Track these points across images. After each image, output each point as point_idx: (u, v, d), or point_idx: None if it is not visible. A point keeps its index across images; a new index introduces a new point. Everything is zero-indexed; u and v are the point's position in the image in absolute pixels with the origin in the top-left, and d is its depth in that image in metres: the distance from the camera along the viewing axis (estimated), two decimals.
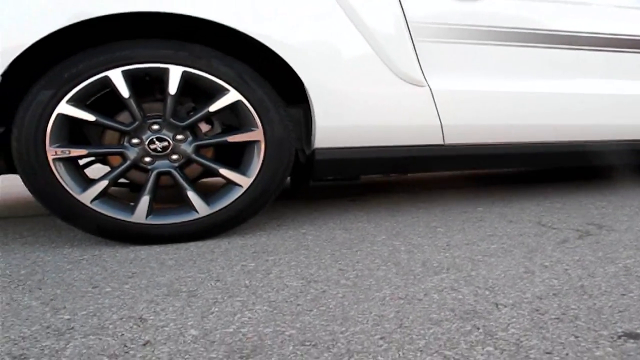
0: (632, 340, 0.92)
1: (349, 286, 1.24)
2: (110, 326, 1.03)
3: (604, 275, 1.27)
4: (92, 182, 1.63)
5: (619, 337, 0.93)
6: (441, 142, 1.90)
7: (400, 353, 0.88)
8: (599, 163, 2.26)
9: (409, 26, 1.77)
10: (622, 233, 1.67)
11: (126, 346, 0.93)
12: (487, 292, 1.16)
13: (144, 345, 0.94)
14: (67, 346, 0.94)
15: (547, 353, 0.88)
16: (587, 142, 2.08)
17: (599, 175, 2.79)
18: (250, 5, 1.62)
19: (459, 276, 1.28)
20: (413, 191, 2.60)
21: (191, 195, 1.66)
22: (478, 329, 0.97)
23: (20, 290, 1.28)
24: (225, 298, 1.18)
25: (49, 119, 1.54)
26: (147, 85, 1.69)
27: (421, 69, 1.79)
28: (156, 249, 1.62)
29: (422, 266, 1.37)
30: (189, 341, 0.95)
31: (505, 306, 1.08)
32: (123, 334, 0.99)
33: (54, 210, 1.60)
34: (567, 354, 0.86)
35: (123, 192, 2.12)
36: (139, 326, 1.03)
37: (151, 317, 1.08)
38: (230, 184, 1.70)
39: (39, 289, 1.29)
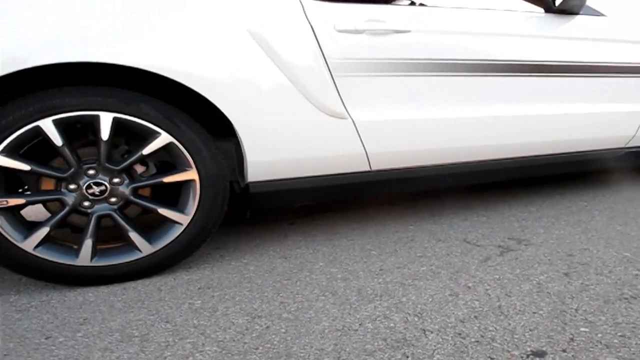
0: (538, 359, 1.12)
1: (290, 320, 1.40)
2: None
3: (519, 294, 1.48)
4: (33, 228, 1.71)
5: (528, 356, 1.14)
6: (368, 169, 2.09)
7: None
8: (510, 177, 2.52)
9: (328, 63, 1.95)
10: (538, 247, 1.91)
11: None
12: (415, 319, 1.35)
13: None
14: None
15: None
16: (498, 160, 2.33)
17: (520, 184, 3.07)
18: (172, 49, 1.74)
19: (391, 303, 1.47)
20: (348, 209, 2.78)
21: (133, 235, 1.78)
22: (407, 357, 1.16)
23: None
24: (177, 340, 1.32)
25: None
26: (80, 130, 1.78)
27: (342, 103, 1.98)
28: (104, 289, 1.73)
29: (357, 294, 1.55)
30: None
31: (432, 332, 1.27)
32: None
33: None
34: None
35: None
36: None
37: None
38: (170, 222, 1.82)
39: None
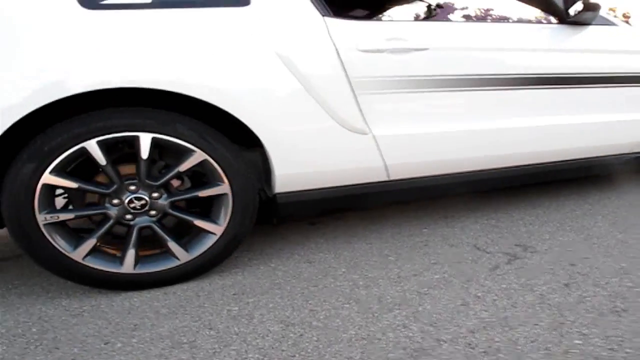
0: None
1: (320, 328, 1.61)
2: None
3: (523, 305, 1.68)
4: (82, 240, 1.92)
5: None
6: (387, 179, 2.29)
7: None
8: (520, 183, 2.72)
9: (350, 81, 2.14)
10: (542, 255, 2.11)
11: None
12: (431, 329, 1.56)
13: None
14: None
15: None
16: (510, 167, 2.53)
17: (530, 185, 3.26)
18: (207, 74, 1.93)
19: (409, 312, 1.67)
20: (367, 211, 2.99)
21: (172, 245, 1.99)
22: None
23: (40, 352, 1.58)
24: (222, 347, 1.53)
25: (35, 190, 1.82)
26: (121, 147, 1.99)
27: (364, 119, 2.17)
28: (146, 294, 1.94)
29: (378, 302, 1.76)
30: None
31: (446, 342, 1.48)
32: None
33: (50, 269, 1.90)
34: None
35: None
36: None
37: None
38: (205, 232, 2.04)
39: (56, 348, 1.60)
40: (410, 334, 1.53)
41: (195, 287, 1.98)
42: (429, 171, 2.39)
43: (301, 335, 1.57)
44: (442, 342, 1.47)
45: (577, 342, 1.44)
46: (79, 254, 1.90)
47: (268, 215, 2.31)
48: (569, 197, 2.99)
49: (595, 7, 2.54)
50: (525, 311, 1.63)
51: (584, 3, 2.54)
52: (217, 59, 1.97)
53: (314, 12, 2.16)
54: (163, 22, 1.95)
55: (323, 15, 2.17)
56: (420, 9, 3.39)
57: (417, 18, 3.36)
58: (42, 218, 1.84)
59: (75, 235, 1.98)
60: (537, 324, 1.55)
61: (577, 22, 2.65)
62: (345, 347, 1.48)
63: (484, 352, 1.41)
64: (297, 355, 1.45)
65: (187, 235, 2.06)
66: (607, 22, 2.79)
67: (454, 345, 1.45)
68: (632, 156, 2.92)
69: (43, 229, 1.84)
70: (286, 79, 2.06)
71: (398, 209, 2.95)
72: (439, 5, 3.47)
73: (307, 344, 1.51)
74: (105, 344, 1.60)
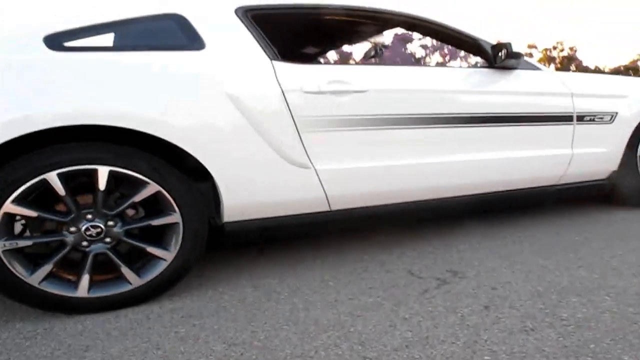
0: None
1: (260, 347, 1.75)
2: None
3: (444, 326, 1.86)
4: (38, 265, 2.03)
5: None
6: (328, 209, 2.47)
7: None
8: (455, 213, 2.94)
9: (295, 120, 2.31)
10: (469, 280, 2.30)
11: None
12: (359, 347, 1.72)
13: None
14: None
15: None
16: (443, 198, 2.74)
17: (470, 215, 3.48)
18: (160, 113, 2.09)
19: (341, 333, 1.83)
20: (312, 236, 3.16)
21: (125, 270, 2.11)
22: None
23: None
24: None
25: None
26: (79, 178, 2.11)
27: (307, 155, 2.35)
28: (98, 317, 2.05)
29: (315, 324, 1.91)
30: None
31: (370, 359, 1.64)
32: None
33: (6, 293, 2.00)
34: None
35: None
36: None
37: None
38: (156, 258, 2.17)
39: None
40: (340, 352, 1.68)
41: (146, 310, 2.10)
42: (367, 202, 2.58)
43: (242, 354, 1.71)
44: None
45: (486, 357, 1.61)
46: (35, 279, 2.00)
47: (218, 242, 2.45)
48: (501, 226, 3.21)
49: (517, 55, 2.80)
50: (446, 331, 1.80)
51: (507, 51, 2.78)
52: (172, 98, 2.14)
53: (262, 56, 2.35)
54: (123, 64, 2.11)
55: (271, 59, 2.35)
56: (363, 50, 3.60)
57: (359, 60, 3.58)
58: (1, 245, 1.93)
59: (32, 260, 2.08)
60: (454, 343, 1.72)
61: (504, 67, 2.89)
62: None
63: None
64: None
65: (139, 261, 2.18)
66: (532, 67, 3.05)
67: None
68: (559, 187, 3.15)
69: (1, 255, 1.94)
70: (235, 117, 2.23)
71: (342, 237, 3.12)
72: (383, 46, 3.69)
73: None
74: None
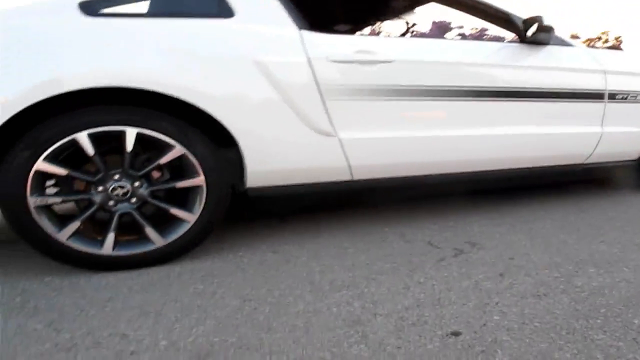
0: (453, 337, 1.52)
1: (273, 303, 1.79)
2: (103, 341, 1.55)
3: (457, 289, 1.87)
4: (66, 222, 2.11)
5: (447, 335, 1.53)
6: (350, 178, 2.49)
7: (304, 351, 1.45)
8: (480, 188, 2.92)
9: (320, 88, 2.34)
10: (488, 250, 2.30)
11: (118, 356, 1.46)
12: (371, 305, 1.75)
13: (131, 354, 1.47)
14: (76, 358, 1.46)
15: (397, 347, 1.47)
16: (470, 172, 2.73)
17: (493, 192, 3.46)
18: (189, 77, 2.14)
19: (355, 292, 1.86)
20: (337, 210, 3.19)
21: (149, 230, 2.17)
22: (358, 333, 1.55)
23: (22, 317, 1.76)
24: (184, 316, 1.72)
25: (28, 175, 2.01)
26: (108, 140, 2.18)
27: (331, 123, 2.37)
28: (123, 274, 2.12)
29: (330, 284, 1.94)
30: (162, 349, 1.49)
31: (381, 315, 1.67)
32: (114, 347, 1.52)
33: (36, 248, 2.08)
34: (408, 347, 1.45)
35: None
36: (124, 340, 1.56)
37: (131, 333, 1.60)
38: (179, 220, 2.22)
39: (36, 314, 1.78)
40: (352, 309, 1.71)
41: (168, 270, 2.16)
42: (390, 173, 2.59)
43: (255, 308, 1.75)
44: (377, 316, 1.66)
45: (495, 317, 1.62)
46: (63, 235, 2.08)
47: (240, 210, 2.50)
48: (525, 204, 3.19)
49: (548, 29, 2.76)
50: (458, 294, 1.82)
51: (538, 25, 2.75)
52: (201, 64, 2.19)
53: (291, 25, 2.38)
54: (154, 30, 2.17)
55: (299, 28, 2.38)
56: (392, 23, 3.60)
57: (388, 34, 3.58)
58: (32, 201, 2.01)
59: (61, 218, 2.16)
60: (464, 304, 1.73)
61: (534, 41, 2.85)
62: (292, 318, 1.66)
63: (413, 324, 1.60)
64: (248, 324, 1.63)
65: (163, 222, 2.24)
66: (564, 43, 3.00)
67: (388, 318, 1.64)
68: (587, 166, 3.11)
69: (32, 211, 2.02)
70: (261, 85, 2.26)
71: (364, 209, 3.15)
72: (413, 24, 3.69)
73: (259, 315, 1.69)
74: (80, 311, 1.78)
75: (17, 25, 2.05)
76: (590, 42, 16.68)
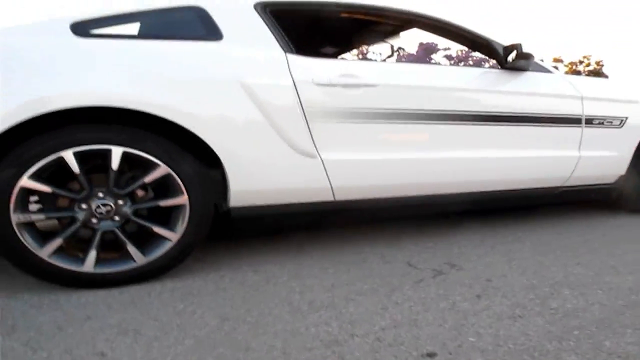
0: (429, 358, 1.53)
1: (252, 323, 1.80)
2: None
3: (435, 310, 1.89)
4: (48, 239, 2.11)
5: (423, 356, 1.55)
6: (332, 199, 2.51)
7: None
8: (453, 210, 2.96)
9: (305, 112, 2.37)
10: (466, 271, 2.32)
11: None
12: (349, 326, 1.76)
13: None
14: None
15: None
16: (445, 194, 2.77)
17: (474, 214, 3.50)
18: (177, 99, 2.16)
19: (333, 313, 1.87)
20: (318, 230, 3.20)
21: (130, 248, 2.18)
22: (334, 353, 1.56)
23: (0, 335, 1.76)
24: (163, 335, 1.72)
25: (12, 192, 2.01)
26: (93, 158, 2.18)
27: (314, 145, 2.40)
28: (103, 292, 2.12)
29: (309, 305, 1.95)
30: None
31: (358, 336, 1.68)
32: None
33: (17, 265, 2.08)
34: None
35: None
36: (102, 359, 1.56)
37: (109, 352, 1.60)
38: (162, 238, 2.23)
39: (14, 332, 1.77)
40: (329, 330, 1.72)
41: (148, 288, 2.16)
42: (371, 194, 2.62)
43: (234, 328, 1.76)
44: (355, 337, 1.67)
45: (471, 339, 1.64)
46: (45, 252, 2.07)
47: (223, 230, 2.51)
48: (503, 225, 3.23)
49: (527, 56, 2.82)
50: (435, 315, 1.83)
51: (517, 52, 2.81)
52: (188, 86, 2.22)
53: (277, 49, 2.41)
54: (144, 51, 2.21)
55: (285, 52, 2.41)
56: (376, 47, 3.65)
57: (372, 58, 3.63)
58: (15, 218, 2.01)
59: (43, 235, 2.16)
60: (441, 325, 1.75)
61: (514, 67, 2.91)
62: (271, 338, 1.67)
63: (389, 344, 1.61)
64: (226, 343, 1.64)
65: (145, 240, 2.24)
66: (543, 69, 3.06)
67: (365, 338, 1.65)
68: (566, 189, 3.16)
69: (15, 228, 2.02)
70: (247, 107, 2.29)
71: (345, 229, 3.17)
72: (399, 48, 3.74)
73: (237, 335, 1.70)
74: (58, 330, 1.77)
75: (8, 44, 2.06)
76: (572, 65, 16.90)
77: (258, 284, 2.21)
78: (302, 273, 2.33)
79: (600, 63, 17.10)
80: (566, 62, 16.42)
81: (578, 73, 15.82)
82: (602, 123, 3.16)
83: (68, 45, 2.14)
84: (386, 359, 1.50)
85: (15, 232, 2.02)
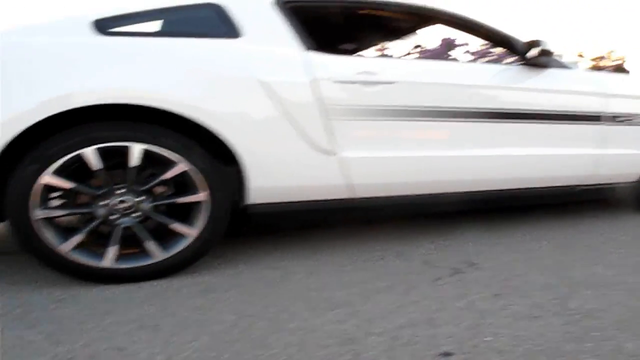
0: (445, 357, 1.52)
1: (269, 319, 1.81)
2: (100, 354, 1.57)
3: (451, 309, 1.88)
4: (69, 235, 2.13)
5: (437, 355, 1.54)
6: (351, 196, 2.51)
7: None
8: (473, 207, 2.94)
9: (324, 109, 2.36)
10: (484, 271, 2.30)
11: None
12: (365, 324, 1.76)
13: None
14: None
15: None
16: (468, 192, 2.75)
17: (491, 213, 3.47)
18: (196, 97, 2.17)
19: (349, 310, 1.87)
20: (335, 227, 3.21)
21: (150, 244, 2.20)
22: (350, 351, 1.56)
23: (22, 328, 1.79)
24: (181, 330, 1.73)
25: (36, 188, 2.04)
26: (113, 155, 2.20)
27: (333, 143, 2.39)
28: (123, 287, 2.14)
29: (325, 302, 1.95)
30: None
31: (374, 334, 1.68)
32: None
33: (39, 259, 2.11)
34: None
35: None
36: (121, 353, 1.57)
37: (128, 347, 1.62)
38: (180, 234, 2.25)
39: (36, 325, 1.80)
40: (346, 328, 1.72)
41: (167, 283, 2.18)
42: (390, 191, 2.61)
43: (252, 324, 1.77)
44: (371, 335, 1.67)
45: (488, 338, 1.63)
46: (65, 248, 2.10)
47: (240, 226, 2.52)
48: (522, 224, 3.19)
49: (548, 52, 2.79)
50: (452, 314, 1.82)
51: (538, 48, 2.77)
52: (207, 83, 2.23)
53: (296, 46, 2.41)
54: (163, 49, 2.23)
55: (305, 49, 2.42)
56: (396, 44, 3.63)
57: (392, 55, 3.62)
58: (38, 213, 2.04)
59: (64, 231, 2.19)
60: (458, 324, 1.74)
61: (535, 64, 2.88)
62: (287, 334, 1.68)
63: (405, 343, 1.60)
64: (244, 339, 1.65)
65: (164, 236, 2.26)
66: (564, 66, 3.02)
67: (381, 337, 1.65)
68: (586, 187, 3.12)
69: (37, 224, 2.04)
70: (266, 104, 2.30)
71: (364, 227, 3.16)
72: (418, 44, 3.72)
73: (254, 331, 1.71)
74: (79, 324, 1.79)
75: (31, 43, 2.11)
76: (597, 60, 16.66)
77: (275, 280, 2.21)
78: (318, 270, 2.33)
79: (622, 58, 16.84)
80: (588, 57, 16.20)
81: (600, 69, 15.61)
82: (625, 120, 3.11)
83: (90, 44, 2.17)
84: (402, 358, 1.49)
85: (37, 228, 2.04)
